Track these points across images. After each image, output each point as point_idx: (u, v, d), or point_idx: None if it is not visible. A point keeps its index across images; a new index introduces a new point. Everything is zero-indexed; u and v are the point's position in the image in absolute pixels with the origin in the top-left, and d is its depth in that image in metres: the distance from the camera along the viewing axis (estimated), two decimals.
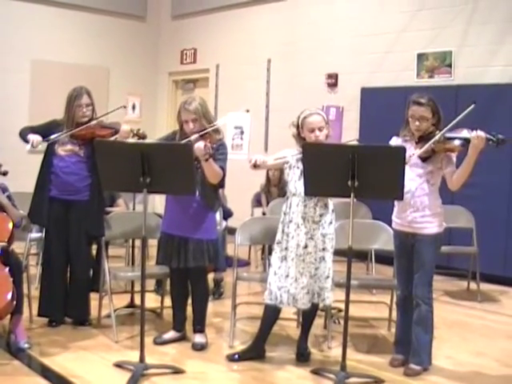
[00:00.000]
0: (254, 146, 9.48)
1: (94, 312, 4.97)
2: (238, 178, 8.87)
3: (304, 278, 4.16)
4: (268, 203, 7.33)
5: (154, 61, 11.24)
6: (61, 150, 4.74)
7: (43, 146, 4.79)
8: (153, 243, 4.92)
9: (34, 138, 4.61)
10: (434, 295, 4.24)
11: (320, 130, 4.15)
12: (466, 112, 3.94)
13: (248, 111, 4.01)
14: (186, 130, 4.34)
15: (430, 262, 4.11)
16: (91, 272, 5.08)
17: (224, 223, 6.24)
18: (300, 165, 4.12)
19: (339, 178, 3.72)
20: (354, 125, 8.22)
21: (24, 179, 5.34)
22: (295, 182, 4.22)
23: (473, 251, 6.43)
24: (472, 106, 3.91)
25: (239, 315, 5.07)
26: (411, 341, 4.16)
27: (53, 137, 4.69)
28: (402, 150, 3.66)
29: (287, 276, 4.16)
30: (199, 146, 4.08)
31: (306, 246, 4.16)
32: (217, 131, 4.40)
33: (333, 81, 8.65)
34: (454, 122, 4.00)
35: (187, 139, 4.20)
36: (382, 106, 7.63)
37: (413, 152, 4.04)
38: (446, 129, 4.01)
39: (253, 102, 9.62)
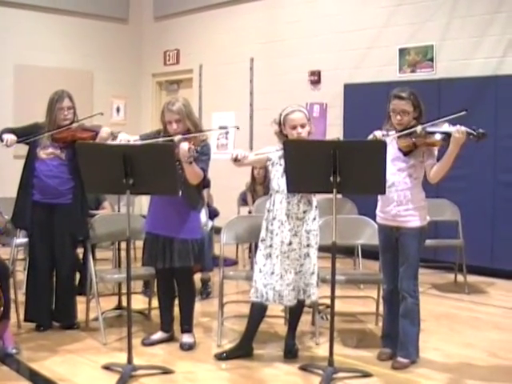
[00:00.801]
0: (239, 145, 9.43)
1: (81, 315, 4.96)
2: (224, 178, 8.90)
3: (289, 275, 4.17)
4: (254, 202, 7.33)
5: (138, 63, 11.22)
6: (42, 154, 4.73)
7: (24, 151, 4.78)
8: (139, 245, 4.92)
9: (9, 137, 4.64)
10: (422, 288, 4.26)
11: (302, 126, 4.17)
12: (453, 116, 3.95)
13: (238, 128, 4.07)
14: (170, 131, 4.34)
15: (415, 255, 4.13)
16: (78, 275, 5.07)
17: (210, 223, 6.24)
18: (282, 162, 4.13)
19: (321, 174, 3.73)
20: (337, 121, 8.24)
21: (9, 184, 5.33)
22: (278, 179, 4.23)
23: (459, 244, 6.45)
24: (463, 113, 3.91)
25: (227, 314, 5.08)
26: (398, 334, 4.17)
27: (33, 139, 4.69)
28: (382, 144, 3.68)
29: (272, 273, 4.17)
30: (183, 148, 4.07)
31: (290, 243, 4.18)
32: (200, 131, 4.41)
33: (316, 78, 8.67)
34: (439, 121, 4.02)
35: (170, 140, 4.19)
36: (366, 101, 7.64)
37: (390, 133, 4.09)
38: (427, 124, 4.03)
39: (237, 102, 9.65)
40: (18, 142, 4.69)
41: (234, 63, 9.73)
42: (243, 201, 7.84)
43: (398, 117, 4.11)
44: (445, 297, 6.18)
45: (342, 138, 7.20)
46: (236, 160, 4.14)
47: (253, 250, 5.30)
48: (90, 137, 4.73)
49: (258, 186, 7.60)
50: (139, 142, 4.25)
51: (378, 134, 4.10)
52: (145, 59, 11.27)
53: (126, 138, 4.31)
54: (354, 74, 8.19)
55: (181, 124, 4.31)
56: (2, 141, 4.63)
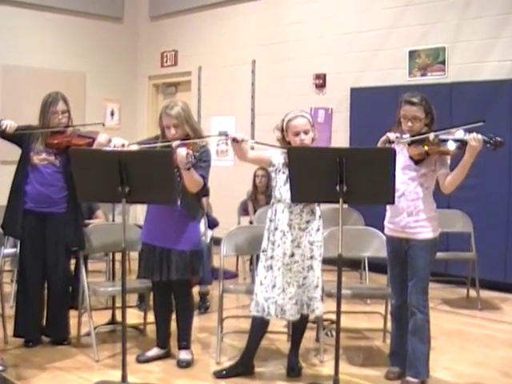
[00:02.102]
0: None
1: (73, 330, 4.96)
2: (224, 186, 8.94)
3: (291, 288, 4.18)
4: (255, 211, 7.35)
5: (133, 64, 11.26)
6: (36, 159, 4.73)
7: (12, 156, 4.78)
8: (134, 256, 4.92)
9: (9, 122, 4.58)
10: (432, 304, 4.27)
11: (305, 133, 4.19)
12: (470, 126, 3.97)
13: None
14: (168, 136, 4.36)
15: (425, 268, 4.14)
16: (70, 288, 5.07)
17: (209, 233, 6.25)
18: (286, 169, 4.15)
19: (327, 183, 3.74)
20: (343, 127, 8.26)
21: None
22: (280, 187, 4.25)
23: (471, 257, 6.46)
24: (480, 124, 3.92)
25: (226, 329, 5.08)
26: (407, 352, 4.18)
27: (35, 131, 4.67)
28: (391, 152, 3.69)
29: (274, 286, 4.18)
30: (181, 153, 4.09)
31: (292, 255, 4.20)
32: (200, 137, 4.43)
33: (320, 81, 8.70)
34: (454, 129, 4.04)
35: (168, 145, 4.21)
36: (373, 106, 7.67)
37: (404, 136, 4.10)
38: (440, 132, 4.05)
39: (237, 106, 9.67)
40: (19, 130, 4.62)
41: (235, 65, 9.77)
42: (244, 210, 7.87)
43: (409, 123, 4.13)
44: (456, 313, 6.19)
45: (348, 145, 7.25)
46: (234, 140, 4.14)
47: (254, 262, 5.31)
48: (87, 144, 4.72)
49: (260, 194, 7.64)
50: (135, 148, 4.26)
51: (392, 136, 4.10)
52: (141, 60, 11.30)
53: (119, 142, 4.30)
54: (361, 77, 8.22)
55: (179, 129, 4.33)
56: (1, 126, 4.56)
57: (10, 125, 4.58)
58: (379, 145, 4.10)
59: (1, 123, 4.58)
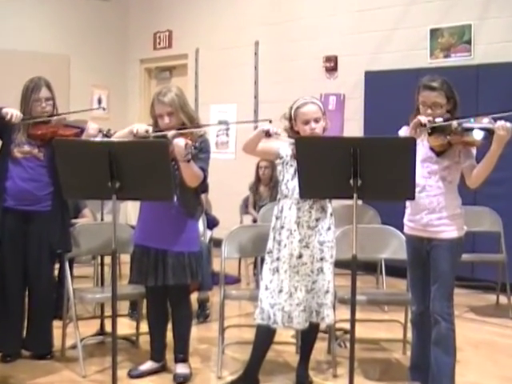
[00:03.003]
0: (242, 142, 9.51)
1: (56, 343, 4.97)
2: (225, 181, 8.96)
3: (299, 293, 4.21)
4: (255, 205, 7.40)
5: (123, 46, 11.28)
6: (17, 152, 4.71)
7: None
8: (125, 259, 4.95)
9: (14, 112, 4.53)
10: (457, 312, 4.27)
11: (316, 121, 4.21)
12: (500, 115, 3.97)
13: (271, 122, 4.11)
14: (161, 126, 4.38)
15: (449, 271, 4.14)
16: (54, 295, 5.08)
17: (209, 233, 6.28)
18: (294, 162, 4.16)
19: (339, 177, 3.73)
20: (357, 115, 8.28)
21: None
22: (288, 181, 4.28)
23: (501, 259, 6.47)
24: (510, 113, 3.91)
25: (228, 340, 5.10)
26: (430, 365, 4.18)
27: (37, 120, 4.66)
28: (411, 141, 3.69)
29: (280, 291, 4.21)
30: (179, 144, 4.10)
31: (300, 256, 4.22)
32: (198, 126, 4.45)
33: (332, 64, 8.71)
34: (480, 117, 4.03)
35: (163, 135, 4.23)
36: (390, 92, 7.68)
37: (437, 120, 4.07)
38: (464, 120, 4.04)
39: (239, 93, 9.69)
40: (24, 120, 4.59)
41: (236, 47, 9.79)
42: (247, 208, 7.89)
43: (429, 110, 4.12)
44: (485, 322, 6.20)
45: (362, 135, 7.26)
46: (267, 134, 4.12)
47: (258, 266, 5.34)
48: (74, 134, 4.72)
49: (263, 186, 7.68)
50: (127, 139, 4.27)
51: (424, 119, 4.04)
52: (131, 42, 11.33)
53: (142, 128, 4.28)
54: (377, 59, 8.23)
55: (174, 117, 4.35)
56: (5, 116, 4.50)
57: (15, 114, 4.53)
58: (410, 130, 4.06)
59: (2, 112, 4.53)
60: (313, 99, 4.33)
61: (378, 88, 8.06)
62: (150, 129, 4.30)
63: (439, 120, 4.07)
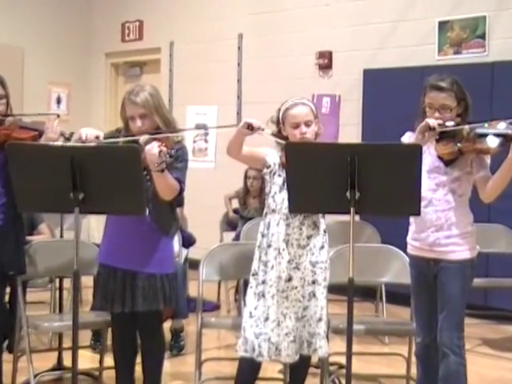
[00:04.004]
0: (223, 150, 9.51)
1: (6, 379, 4.91)
2: (203, 194, 8.96)
3: (288, 321, 4.22)
4: (242, 217, 7.42)
5: (86, 38, 11.26)
6: None
7: None
8: (87, 283, 4.93)
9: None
10: (469, 345, 4.30)
11: (307, 125, 4.26)
12: None
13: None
14: (133, 130, 4.38)
15: (460, 297, 4.17)
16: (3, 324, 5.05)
17: (184, 253, 6.29)
18: (283, 172, 4.19)
19: (334, 189, 3.75)
20: (354, 119, 8.33)
21: None
22: (275, 194, 4.31)
23: None
24: None
25: (206, 376, 5.09)
26: None
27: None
28: (417, 149, 3.72)
29: (267, 319, 4.22)
30: (152, 151, 4.10)
31: (290, 279, 4.24)
32: (175, 131, 4.46)
33: (326, 61, 8.75)
34: (495, 121, 4.06)
35: (134, 140, 4.24)
36: (393, 93, 7.73)
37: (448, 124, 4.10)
38: (477, 125, 4.07)
39: (220, 92, 9.70)
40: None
41: (217, 41, 9.81)
42: (228, 224, 7.91)
43: (437, 114, 4.16)
44: (500, 357, 6.21)
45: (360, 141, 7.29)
46: (249, 127, 4.11)
47: (241, 290, 5.33)
48: (31, 138, 4.72)
49: (252, 198, 7.69)
50: (92, 144, 4.27)
51: (433, 122, 4.07)
52: (95, 33, 11.32)
53: (92, 133, 4.25)
54: (377, 56, 8.28)
55: (147, 120, 4.36)
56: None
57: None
58: (416, 135, 4.09)
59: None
60: (304, 100, 4.37)
61: (378, 89, 8.10)
62: (101, 134, 4.29)
63: (450, 124, 4.10)
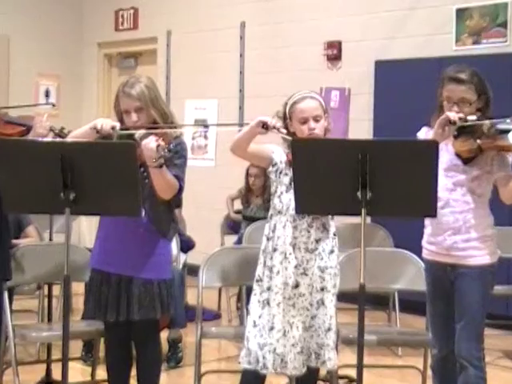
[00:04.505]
0: (223, 147, 9.51)
1: None
2: (202, 194, 8.97)
3: (295, 331, 4.22)
4: (244, 217, 7.43)
5: (77, 26, 11.28)
6: None
7: None
8: (78, 290, 4.93)
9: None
10: (489, 357, 4.29)
11: (316, 120, 4.26)
12: None
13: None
14: (128, 124, 4.39)
15: (479, 305, 4.17)
16: None
17: (182, 258, 6.29)
18: (290, 170, 4.19)
19: (344, 188, 3.76)
20: (365, 114, 8.33)
21: None
22: (281, 194, 4.31)
23: None
24: None
25: None
26: None
27: None
28: (433, 145, 3.73)
29: (272, 328, 4.22)
30: (149, 146, 4.09)
31: (296, 285, 4.24)
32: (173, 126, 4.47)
33: (334, 52, 8.75)
34: None
35: (129, 135, 4.25)
36: (406, 86, 7.73)
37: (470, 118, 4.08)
38: (499, 120, 4.08)
39: (221, 85, 9.70)
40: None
41: (217, 30, 9.81)
42: (230, 227, 7.91)
43: (455, 108, 4.15)
44: None
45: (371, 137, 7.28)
46: (264, 126, 4.09)
47: (243, 297, 5.33)
48: (18, 133, 4.73)
49: (255, 197, 7.70)
50: (85, 140, 4.27)
51: (453, 116, 4.05)
52: (87, 22, 11.33)
53: (108, 123, 4.24)
54: (390, 46, 8.27)
55: (143, 114, 4.36)
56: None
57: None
58: (436, 129, 4.08)
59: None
60: (312, 93, 4.37)
61: (391, 81, 8.09)
62: (118, 125, 4.30)
63: (472, 118, 4.09)
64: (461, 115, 4.08)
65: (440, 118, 4.08)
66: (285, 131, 4.23)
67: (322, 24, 8.86)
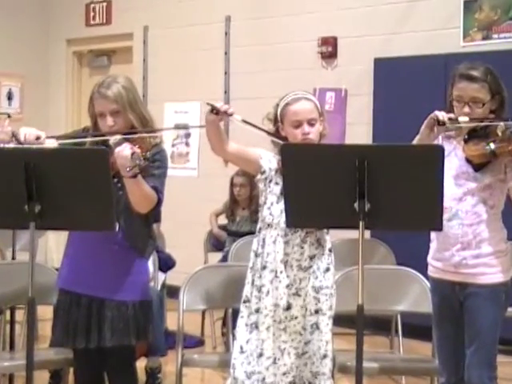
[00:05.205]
0: (207, 155, 9.52)
1: None
2: (184, 207, 8.96)
3: (287, 358, 4.22)
4: (229, 232, 7.42)
5: (43, 21, 11.26)
6: None
7: None
8: (45, 314, 4.91)
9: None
10: None
11: (310, 124, 4.27)
12: None
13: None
14: (102, 129, 4.38)
15: (491, 329, 4.17)
16: None
17: (161, 278, 6.27)
18: (280, 179, 4.19)
19: (340, 199, 3.77)
20: (364, 117, 8.33)
21: None
22: (272, 205, 4.31)
23: None
24: None
25: None
26: None
27: None
28: (438, 151, 3.73)
29: (261, 355, 4.22)
30: (123, 153, 4.08)
31: (288, 307, 4.24)
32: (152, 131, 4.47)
33: (330, 49, 8.75)
34: None
35: (104, 141, 4.24)
36: (409, 86, 7.73)
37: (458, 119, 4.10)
38: None
39: (204, 86, 9.68)
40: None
41: (200, 25, 9.81)
42: (213, 244, 7.90)
43: (466, 109, 4.16)
44: None
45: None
46: (213, 110, 4.10)
47: (229, 321, 5.33)
48: None
49: (241, 209, 7.70)
50: (52, 145, 4.26)
51: (442, 115, 4.07)
52: (55, 16, 11.32)
53: (32, 133, 4.26)
54: (391, 42, 8.28)
55: (120, 118, 4.35)
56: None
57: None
58: (422, 129, 4.10)
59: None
60: (307, 95, 4.38)
61: (392, 81, 8.10)
62: (43, 135, 4.27)
63: (464, 120, 4.10)
64: (451, 115, 4.12)
65: (428, 118, 4.12)
66: (239, 118, 4.23)
67: (315, 18, 8.85)
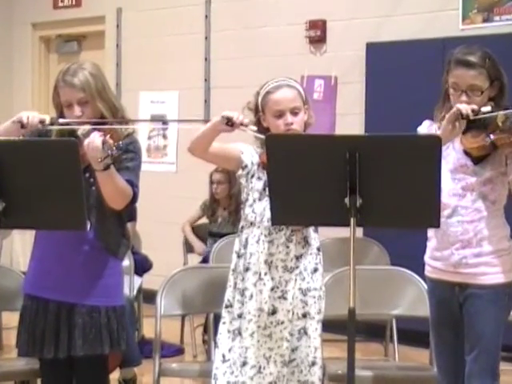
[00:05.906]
0: (186, 148, 9.51)
1: None
2: (161, 205, 8.95)
3: (272, 367, 4.23)
4: (210, 233, 7.43)
5: (7, 4, 11.26)
6: None
7: None
8: (10, 322, 4.90)
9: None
10: None
11: (294, 113, 4.27)
12: None
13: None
14: (69, 118, 4.37)
15: (493, 333, 4.18)
16: None
17: (137, 281, 6.27)
18: (263, 174, 4.19)
19: (330, 194, 3.76)
20: (355, 106, 8.34)
21: None
22: (254, 202, 4.32)
23: None
24: None
25: None
26: None
27: None
28: (435, 142, 3.73)
29: (244, 364, 4.22)
30: (94, 144, 4.07)
31: (274, 312, 4.25)
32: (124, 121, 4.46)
33: (318, 33, 8.75)
34: None
35: (71, 132, 4.22)
36: (404, 72, 7.75)
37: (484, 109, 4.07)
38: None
39: (182, 74, 9.69)
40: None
41: (178, 7, 9.80)
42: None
43: (464, 97, 4.17)
44: None
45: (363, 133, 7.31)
46: (229, 122, 4.09)
47: (210, 328, 5.33)
48: None
49: (221, 209, 7.71)
50: (13, 137, 4.24)
51: (465, 108, 4.04)
52: None
53: (36, 115, 4.21)
54: (384, 26, 8.30)
55: (88, 107, 4.34)
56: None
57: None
58: (445, 125, 4.07)
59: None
60: (289, 81, 4.38)
61: (385, 67, 8.10)
62: (48, 118, 4.26)
63: (486, 109, 4.08)
64: (474, 107, 4.06)
65: (450, 112, 4.07)
66: (255, 128, 4.25)
67: (303, 0, 8.86)
